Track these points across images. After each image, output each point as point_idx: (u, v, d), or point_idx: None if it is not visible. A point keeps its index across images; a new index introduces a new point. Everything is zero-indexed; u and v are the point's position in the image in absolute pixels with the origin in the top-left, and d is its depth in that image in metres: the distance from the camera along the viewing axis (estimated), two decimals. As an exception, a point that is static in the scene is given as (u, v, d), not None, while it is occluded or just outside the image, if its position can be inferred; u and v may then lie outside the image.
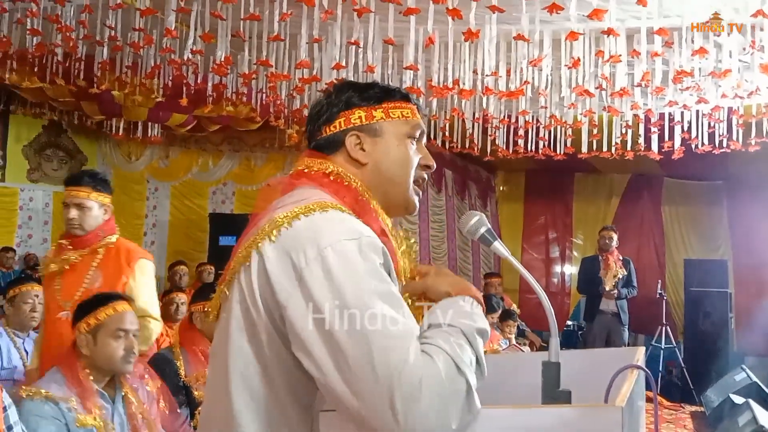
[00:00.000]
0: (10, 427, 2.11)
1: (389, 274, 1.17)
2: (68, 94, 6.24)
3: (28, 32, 4.37)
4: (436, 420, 0.98)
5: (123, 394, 2.47)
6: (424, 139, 1.43)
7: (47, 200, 9.67)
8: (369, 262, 1.11)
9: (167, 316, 4.69)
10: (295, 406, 1.18)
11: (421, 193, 1.42)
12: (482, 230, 1.38)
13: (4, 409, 2.11)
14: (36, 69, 5.36)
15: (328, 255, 1.10)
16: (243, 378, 1.18)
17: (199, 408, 2.99)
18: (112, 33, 4.32)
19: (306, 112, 5.65)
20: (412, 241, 1.40)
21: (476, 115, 5.79)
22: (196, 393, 3.13)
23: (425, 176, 1.42)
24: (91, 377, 2.38)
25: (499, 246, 1.38)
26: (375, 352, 1.01)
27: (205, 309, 3.60)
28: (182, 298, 4.75)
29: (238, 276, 1.20)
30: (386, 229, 1.30)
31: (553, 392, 1.23)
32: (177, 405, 2.89)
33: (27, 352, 3.48)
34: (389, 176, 1.33)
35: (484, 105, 5.20)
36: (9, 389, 2.34)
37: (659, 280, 8.18)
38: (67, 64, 5.24)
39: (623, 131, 5.52)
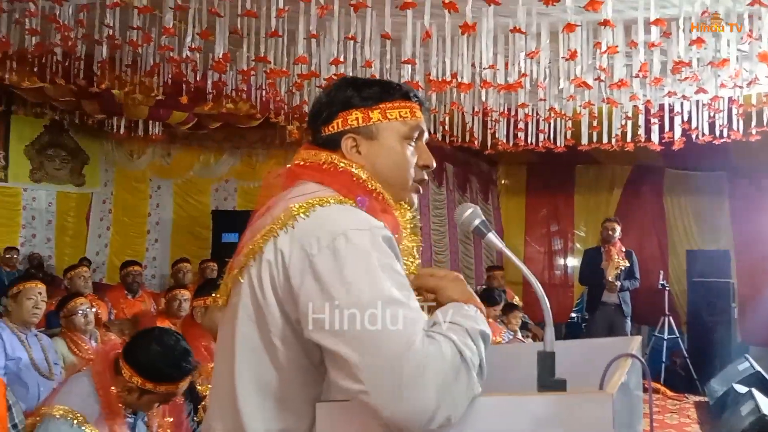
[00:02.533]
0: (15, 426, 2.13)
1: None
2: (69, 94, 6.25)
3: (27, 32, 4.38)
4: (437, 402, 1.02)
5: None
6: (426, 137, 1.42)
7: (50, 200, 9.70)
8: (379, 250, 1.14)
9: (170, 312, 4.72)
10: (301, 396, 1.20)
11: (421, 190, 1.42)
12: (476, 222, 1.38)
13: (9, 408, 2.13)
14: (36, 69, 5.37)
15: (338, 243, 1.13)
16: (249, 367, 1.20)
17: (203, 403, 3.02)
18: (111, 32, 4.33)
19: (306, 108, 5.70)
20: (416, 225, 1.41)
21: (476, 109, 5.79)
22: (199, 388, 3.16)
23: (425, 176, 1.42)
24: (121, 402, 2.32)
25: (493, 238, 1.38)
26: (383, 334, 1.05)
27: (206, 304, 3.63)
28: (185, 294, 4.77)
29: (248, 267, 1.22)
30: (388, 216, 1.30)
31: (549, 381, 1.24)
32: (182, 398, 2.91)
33: (32, 347, 3.50)
34: (385, 177, 1.34)
35: (483, 98, 5.20)
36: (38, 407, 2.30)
37: (661, 271, 8.16)
38: (66, 64, 5.25)
39: (623, 122, 5.51)
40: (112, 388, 2.29)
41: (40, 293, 3.57)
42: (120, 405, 2.29)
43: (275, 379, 1.19)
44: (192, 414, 3.06)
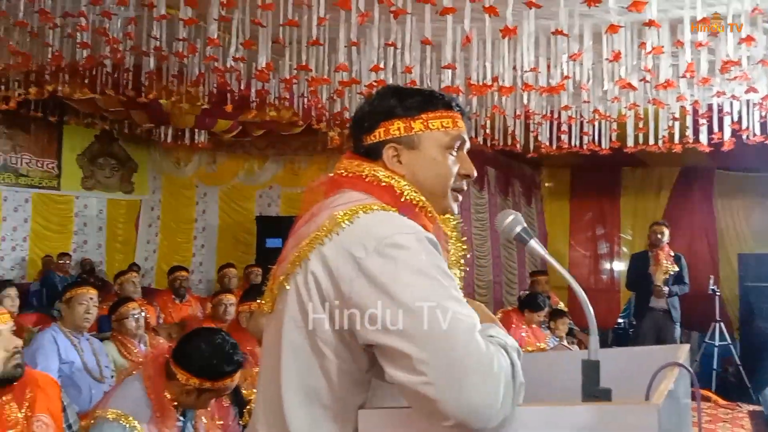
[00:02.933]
0: (69, 426, 2.20)
1: None
2: (118, 104, 6.44)
3: (78, 46, 4.54)
4: (502, 397, 1.03)
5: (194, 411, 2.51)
6: (467, 146, 1.42)
7: (101, 207, 10.00)
8: (427, 251, 1.15)
9: (216, 317, 4.80)
10: (347, 403, 1.21)
11: (460, 198, 1.42)
12: (518, 229, 1.36)
13: (64, 409, 2.20)
14: (87, 81, 5.56)
15: (386, 246, 1.14)
16: (296, 374, 1.22)
17: (248, 407, 3.06)
18: (158, 43, 4.44)
19: (347, 115, 5.74)
20: (463, 248, 1.41)
21: (517, 112, 5.74)
22: (244, 392, 3.21)
23: (464, 185, 1.41)
24: (174, 405, 2.36)
25: (535, 245, 1.37)
26: (447, 329, 1.06)
27: (251, 309, 3.69)
28: (231, 299, 4.84)
29: (294, 275, 1.23)
30: (431, 227, 1.30)
31: (593, 390, 1.22)
32: (228, 400, 2.96)
33: (84, 350, 3.60)
34: (425, 187, 1.34)
35: (525, 101, 5.15)
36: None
37: (712, 276, 7.93)
38: (115, 75, 5.42)
39: (670, 124, 5.40)
40: (166, 393, 2.34)
41: (91, 299, 3.67)
42: (171, 408, 2.34)
43: (322, 386, 1.20)
44: (237, 417, 3.11)
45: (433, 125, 1.35)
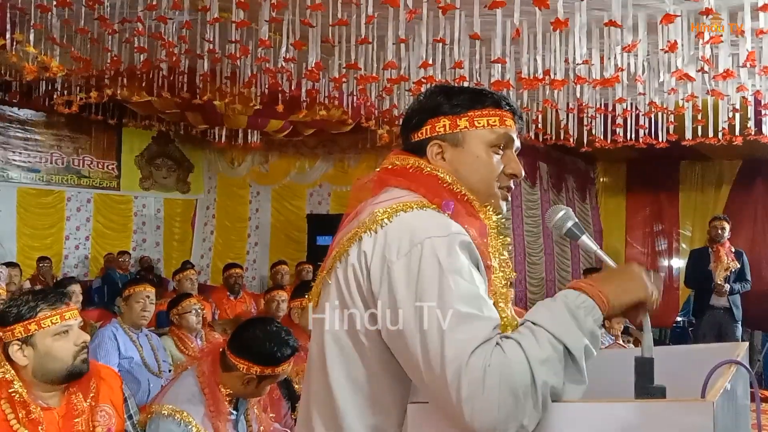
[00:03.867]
0: (130, 416, 2.28)
1: (477, 268, 1.20)
2: (174, 106, 6.62)
3: (135, 50, 4.68)
4: (499, 411, 1.01)
5: (247, 402, 2.55)
6: (516, 146, 1.40)
7: (158, 206, 10.31)
8: (454, 257, 1.15)
9: (269, 313, 4.88)
10: (390, 394, 1.22)
11: (509, 198, 1.41)
12: (569, 224, 1.34)
13: (125, 400, 2.28)
14: (144, 84, 5.74)
15: (415, 253, 1.15)
16: (340, 365, 1.24)
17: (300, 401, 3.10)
18: (211, 46, 4.55)
19: (396, 112, 5.75)
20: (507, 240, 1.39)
21: (570, 105, 5.64)
22: (296, 386, 3.25)
23: (512, 184, 1.40)
24: (227, 399, 2.41)
25: (587, 240, 1.35)
26: (444, 345, 1.07)
27: (302, 305, 3.74)
28: (283, 295, 4.91)
29: (335, 269, 1.26)
30: (475, 221, 1.30)
31: (647, 388, 1.20)
32: (281, 394, 3.01)
33: (143, 346, 3.71)
34: (469, 185, 1.33)
35: (578, 94, 5.06)
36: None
37: (776, 273, 7.64)
38: (171, 78, 5.57)
39: (730, 115, 5.21)
40: (221, 386, 2.38)
41: (148, 296, 3.77)
42: (224, 402, 2.39)
43: (364, 377, 1.22)
44: (290, 412, 3.16)
45: (479, 123, 1.34)
